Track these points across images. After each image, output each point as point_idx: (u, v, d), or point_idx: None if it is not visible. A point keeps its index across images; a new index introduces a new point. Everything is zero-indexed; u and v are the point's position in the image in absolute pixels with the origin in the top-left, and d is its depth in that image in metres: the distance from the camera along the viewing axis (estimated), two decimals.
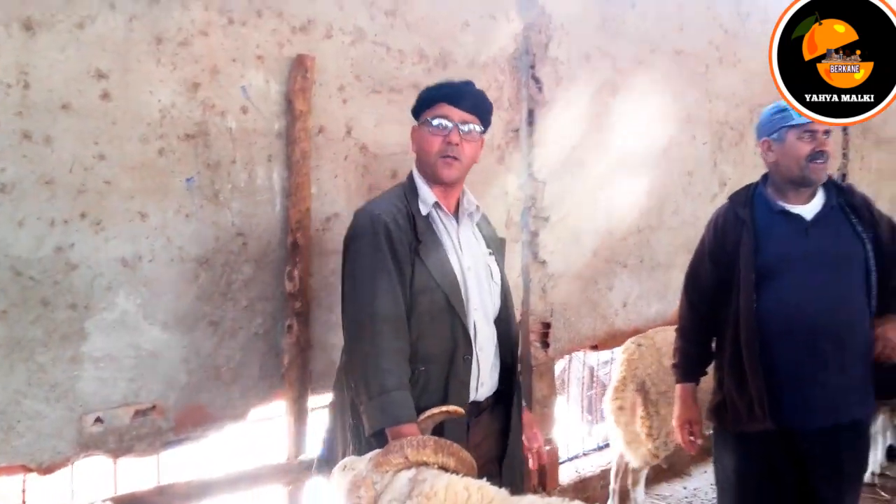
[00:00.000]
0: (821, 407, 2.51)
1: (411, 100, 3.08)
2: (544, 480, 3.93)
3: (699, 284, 2.79)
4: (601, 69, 4.07)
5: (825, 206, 2.61)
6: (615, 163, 4.23)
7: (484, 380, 2.24)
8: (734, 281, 2.60)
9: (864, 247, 2.57)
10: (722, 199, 5.03)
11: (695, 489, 4.50)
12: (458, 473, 1.74)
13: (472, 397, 2.20)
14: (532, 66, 3.68)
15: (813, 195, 2.63)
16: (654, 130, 4.48)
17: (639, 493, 3.85)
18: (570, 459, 4.36)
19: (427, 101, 2.26)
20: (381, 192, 2.40)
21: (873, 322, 2.58)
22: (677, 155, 4.70)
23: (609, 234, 4.24)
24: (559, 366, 5.10)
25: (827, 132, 2.53)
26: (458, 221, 2.28)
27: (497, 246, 2.41)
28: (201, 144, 2.49)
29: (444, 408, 2.02)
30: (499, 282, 2.32)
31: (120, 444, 2.37)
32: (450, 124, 2.19)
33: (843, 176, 6.66)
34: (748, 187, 2.78)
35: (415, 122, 2.32)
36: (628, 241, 4.39)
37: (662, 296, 4.65)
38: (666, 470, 4.64)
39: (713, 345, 2.81)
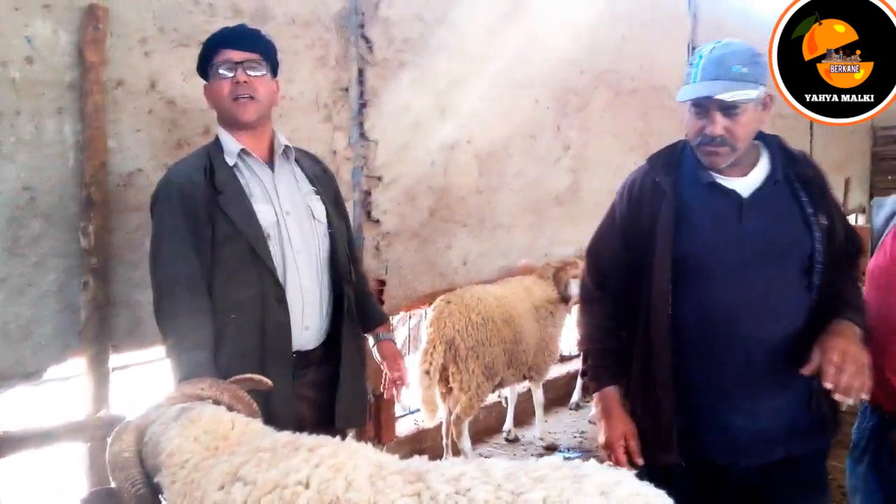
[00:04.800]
0: (749, 441, 1.99)
1: None
2: (380, 433, 4.04)
3: (602, 266, 2.23)
4: (437, 32, 4.14)
5: (768, 179, 2.02)
6: (453, 124, 4.33)
7: (308, 323, 2.27)
8: (647, 271, 2.05)
9: (812, 234, 1.97)
10: (567, 164, 5.32)
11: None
12: (234, 411, 1.79)
13: (296, 342, 2.23)
14: (361, 26, 3.70)
15: (754, 164, 2.05)
16: (494, 93, 4.60)
17: (464, 443, 4.03)
18: (411, 412, 4.49)
19: (207, 53, 2.26)
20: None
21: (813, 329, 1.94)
22: (520, 118, 4.84)
23: (447, 193, 4.34)
24: (410, 323, 5.22)
25: (728, 110, 1.91)
26: (274, 167, 2.30)
27: (323, 180, 2.43)
28: None
29: (248, 376, 2.03)
30: (323, 219, 2.34)
31: None
32: (231, 72, 2.21)
33: None
34: (674, 147, 2.16)
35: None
36: (468, 202, 4.51)
37: (506, 254, 4.82)
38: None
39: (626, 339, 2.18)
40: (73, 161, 2.62)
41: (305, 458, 1.51)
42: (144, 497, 1.64)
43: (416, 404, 4.18)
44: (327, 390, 2.36)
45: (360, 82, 3.74)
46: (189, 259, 2.11)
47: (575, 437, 4.90)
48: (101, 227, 2.65)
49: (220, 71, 2.21)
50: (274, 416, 2.02)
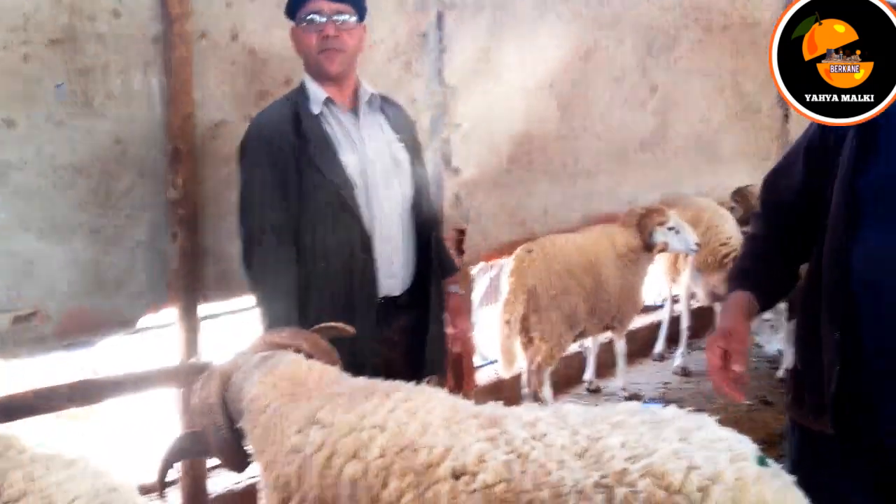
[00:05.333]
0: None
1: None
2: (461, 382, 4.08)
3: (778, 190, 1.95)
4: None
5: None
6: (533, 68, 4.21)
7: (394, 271, 2.31)
8: (826, 199, 1.74)
9: None
10: (653, 106, 5.11)
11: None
12: (313, 359, 1.84)
13: (382, 290, 2.28)
14: None
15: None
16: (577, 35, 4.43)
17: (545, 393, 4.01)
18: (491, 363, 4.50)
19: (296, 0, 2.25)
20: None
21: None
22: (603, 60, 4.66)
23: (527, 140, 4.25)
24: (491, 273, 5.20)
25: None
26: (358, 115, 2.30)
27: (405, 128, 2.44)
28: (70, 50, 2.46)
29: (331, 324, 2.08)
30: (407, 167, 2.35)
31: (2, 348, 2.44)
32: (322, 18, 2.20)
33: None
34: None
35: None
36: (549, 148, 4.40)
37: (588, 201, 4.70)
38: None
39: (789, 269, 1.94)
40: (160, 114, 2.68)
41: (380, 403, 1.53)
42: (227, 440, 1.71)
43: (495, 354, 4.18)
44: (414, 335, 2.39)
45: (439, 27, 3.67)
46: (277, 208, 2.16)
47: (658, 388, 4.82)
48: (189, 178, 2.72)
49: (308, 20, 2.20)
50: (361, 362, 2.06)
